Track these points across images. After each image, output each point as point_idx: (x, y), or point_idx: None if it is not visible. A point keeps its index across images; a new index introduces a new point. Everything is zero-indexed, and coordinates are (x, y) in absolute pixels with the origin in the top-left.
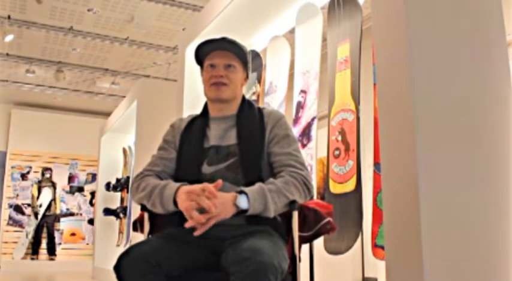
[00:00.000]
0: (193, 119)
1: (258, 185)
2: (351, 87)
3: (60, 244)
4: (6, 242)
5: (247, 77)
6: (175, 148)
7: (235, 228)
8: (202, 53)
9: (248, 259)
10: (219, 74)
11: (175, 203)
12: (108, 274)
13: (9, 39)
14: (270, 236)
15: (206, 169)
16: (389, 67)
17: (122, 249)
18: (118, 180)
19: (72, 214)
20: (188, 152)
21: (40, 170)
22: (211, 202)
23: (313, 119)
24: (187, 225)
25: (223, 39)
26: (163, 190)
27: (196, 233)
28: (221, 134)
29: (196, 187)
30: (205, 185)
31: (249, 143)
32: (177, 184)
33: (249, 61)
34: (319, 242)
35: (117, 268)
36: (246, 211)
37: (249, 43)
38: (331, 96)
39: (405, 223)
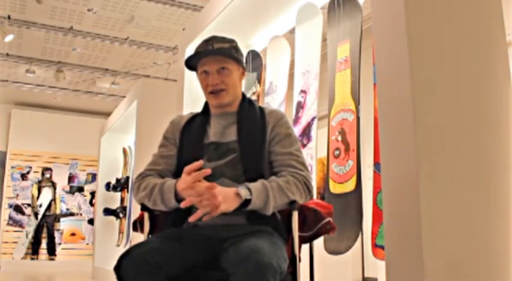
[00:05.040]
0: (194, 117)
1: (260, 181)
2: (351, 87)
3: (60, 244)
4: (6, 242)
5: (244, 69)
6: (175, 144)
7: (236, 228)
8: (192, 61)
9: (247, 260)
10: (214, 82)
11: (176, 197)
12: (108, 274)
13: (9, 39)
14: (270, 236)
15: (206, 165)
16: (389, 67)
17: (122, 249)
18: (118, 180)
19: (72, 214)
20: (188, 148)
21: (40, 170)
22: (212, 193)
23: (313, 119)
24: (183, 205)
25: (210, 42)
26: (162, 187)
27: (191, 219)
28: (221, 131)
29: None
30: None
31: (249, 140)
32: (175, 180)
33: (241, 54)
34: (319, 242)
35: (117, 268)
36: (248, 202)
37: (249, 43)
38: (331, 96)
39: (405, 223)
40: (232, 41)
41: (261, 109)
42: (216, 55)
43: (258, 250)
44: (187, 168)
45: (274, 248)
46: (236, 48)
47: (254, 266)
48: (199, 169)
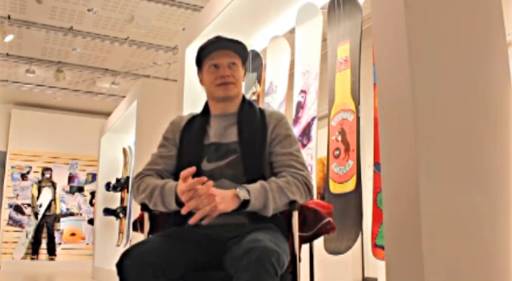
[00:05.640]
0: (194, 117)
1: (259, 183)
2: (351, 87)
3: (60, 244)
4: (6, 242)
5: (244, 73)
6: (175, 144)
7: (238, 227)
8: (202, 55)
9: (250, 249)
10: (225, 74)
11: (176, 200)
12: (108, 274)
13: (9, 39)
14: (271, 232)
15: (206, 165)
16: (389, 67)
17: (122, 249)
18: (118, 180)
19: (72, 214)
20: (188, 149)
21: (40, 170)
22: (210, 193)
23: (313, 119)
24: (183, 212)
25: (223, 38)
26: (163, 189)
27: (191, 221)
28: (221, 132)
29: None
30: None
31: (249, 140)
32: (176, 183)
33: (248, 57)
34: (319, 242)
35: (119, 269)
36: (247, 202)
37: (249, 43)
38: (331, 96)
39: (405, 223)
40: (242, 43)
41: (261, 110)
42: (228, 50)
43: (260, 240)
44: (182, 173)
45: (276, 240)
46: (246, 50)
47: (258, 253)
48: (196, 172)
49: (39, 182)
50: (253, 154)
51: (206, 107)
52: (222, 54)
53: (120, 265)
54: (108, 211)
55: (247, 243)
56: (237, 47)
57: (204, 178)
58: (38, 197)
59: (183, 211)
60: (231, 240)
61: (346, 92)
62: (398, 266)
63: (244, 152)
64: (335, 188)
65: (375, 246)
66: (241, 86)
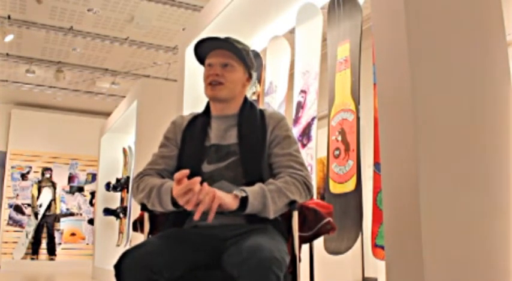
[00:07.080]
0: (195, 117)
1: (257, 185)
2: (351, 87)
3: (60, 244)
4: (6, 242)
5: (250, 77)
6: (176, 145)
7: (236, 228)
8: (202, 53)
9: (249, 259)
10: (215, 73)
11: (173, 201)
12: (108, 274)
13: (9, 39)
14: (270, 233)
15: (206, 167)
16: (389, 67)
17: (122, 249)
18: (118, 180)
19: (72, 214)
20: (189, 150)
21: (40, 170)
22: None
23: (313, 119)
24: (189, 207)
25: (222, 38)
26: (160, 190)
27: (195, 217)
28: (222, 133)
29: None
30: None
31: (249, 142)
32: (172, 183)
33: (251, 61)
34: (319, 242)
35: (117, 271)
36: (246, 201)
37: (249, 43)
38: (331, 96)
39: (405, 223)
40: (245, 46)
41: (261, 112)
42: (224, 50)
43: (258, 247)
44: (176, 176)
45: (275, 242)
46: (247, 53)
47: (257, 263)
48: (196, 174)
49: (39, 182)
50: (253, 156)
51: (208, 108)
52: (217, 53)
53: (118, 267)
54: (108, 211)
55: (246, 249)
56: (235, 49)
57: (199, 178)
58: (38, 197)
59: (188, 208)
60: (229, 240)
61: (346, 92)
62: (398, 266)
63: (243, 154)
64: (335, 188)
65: (375, 246)
66: (236, 89)
